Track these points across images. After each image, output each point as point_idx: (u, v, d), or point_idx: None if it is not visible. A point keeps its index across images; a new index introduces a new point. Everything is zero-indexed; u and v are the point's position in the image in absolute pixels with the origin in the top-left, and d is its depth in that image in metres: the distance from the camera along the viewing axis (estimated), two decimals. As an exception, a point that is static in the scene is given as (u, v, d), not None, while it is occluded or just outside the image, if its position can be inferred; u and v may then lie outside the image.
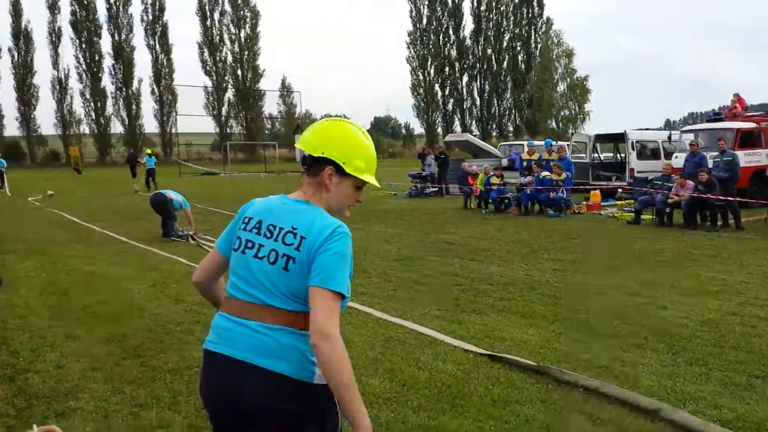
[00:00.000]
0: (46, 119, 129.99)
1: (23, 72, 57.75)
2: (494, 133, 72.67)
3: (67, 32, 58.94)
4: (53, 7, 58.64)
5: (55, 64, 58.82)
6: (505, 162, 22.10)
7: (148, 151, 39.23)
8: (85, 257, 9.67)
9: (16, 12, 57.54)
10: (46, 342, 5.38)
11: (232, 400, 1.86)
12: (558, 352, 5.00)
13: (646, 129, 25.86)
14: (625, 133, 18.71)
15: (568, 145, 20.30)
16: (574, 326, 5.72)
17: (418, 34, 72.07)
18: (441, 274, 8.31)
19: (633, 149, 18.59)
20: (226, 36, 64.97)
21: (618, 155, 21.93)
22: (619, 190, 18.16)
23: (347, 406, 1.74)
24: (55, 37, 58.75)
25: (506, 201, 16.07)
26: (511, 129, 73.52)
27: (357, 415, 1.73)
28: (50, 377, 4.57)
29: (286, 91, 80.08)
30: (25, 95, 57.96)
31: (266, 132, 73.29)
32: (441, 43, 72.53)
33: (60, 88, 59.07)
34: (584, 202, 15.94)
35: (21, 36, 57.69)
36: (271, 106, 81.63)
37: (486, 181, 16.26)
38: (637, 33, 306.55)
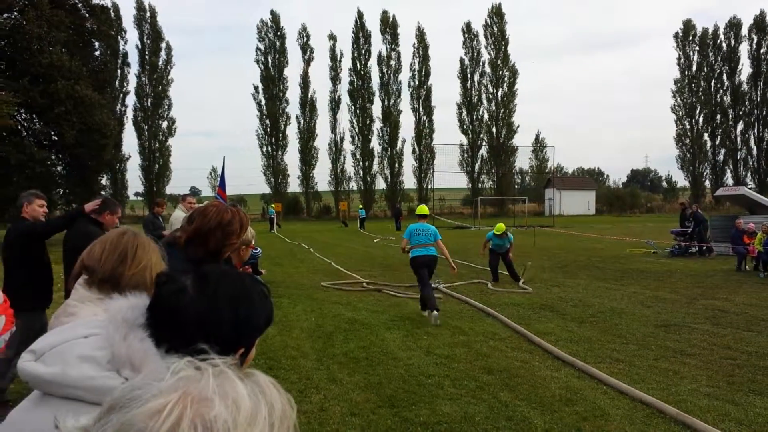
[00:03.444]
0: (321, 177, 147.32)
1: (307, 136, 66.45)
2: (774, 186, 64.02)
3: (345, 100, 66.89)
4: (335, 79, 66.94)
5: (333, 128, 66.83)
6: (789, 219, 19.07)
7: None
8: (348, 304, 10.49)
9: (305, 84, 66.76)
10: (312, 383, 5.87)
11: (428, 263, 9.34)
12: None
13: None
14: None
15: None
16: None
17: (686, 81, 67.17)
18: (711, 345, 7.36)
19: None
20: (483, 96, 67.45)
21: None
22: None
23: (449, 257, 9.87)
24: (334, 104, 66.90)
25: (791, 264, 14.02)
26: (795, 181, 64.20)
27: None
28: (314, 419, 4.94)
29: (539, 146, 79.98)
30: (307, 156, 66.51)
31: (515, 186, 73.47)
32: (713, 89, 66.56)
33: (335, 149, 66.76)
34: None
35: (307, 105, 66.71)
36: (523, 161, 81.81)
37: (766, 240, 14.37)
38: None
